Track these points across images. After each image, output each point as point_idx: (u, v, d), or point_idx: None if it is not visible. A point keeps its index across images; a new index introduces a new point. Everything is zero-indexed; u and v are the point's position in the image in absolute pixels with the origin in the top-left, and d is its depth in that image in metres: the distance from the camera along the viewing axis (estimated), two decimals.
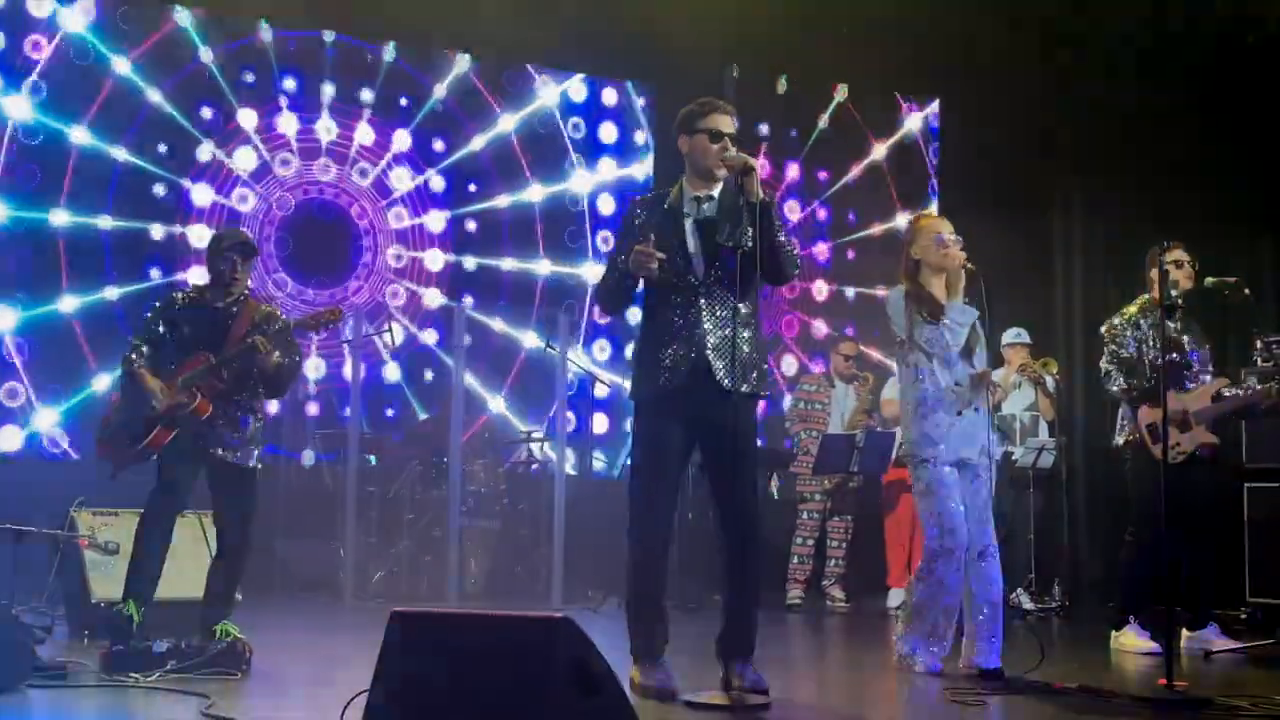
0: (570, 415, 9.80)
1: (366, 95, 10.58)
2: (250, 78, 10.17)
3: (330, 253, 10.42)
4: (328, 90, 10.44)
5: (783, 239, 4.93)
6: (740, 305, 4.87)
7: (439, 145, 10.85)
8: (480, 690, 3.14)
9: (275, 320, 5.92)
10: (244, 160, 10.10)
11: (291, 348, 5.90)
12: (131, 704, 4.56)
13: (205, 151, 9.94)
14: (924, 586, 5.75)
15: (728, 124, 5.00)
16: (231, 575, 5.84)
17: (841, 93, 11.86)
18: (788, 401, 10.24)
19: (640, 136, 11.57)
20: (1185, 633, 6.96)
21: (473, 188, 10.93)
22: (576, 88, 11.41)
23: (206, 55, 9.98)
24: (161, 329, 5.91)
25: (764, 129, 11.70)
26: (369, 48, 10.61)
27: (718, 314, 4.91)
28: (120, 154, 9.63)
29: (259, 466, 5.98)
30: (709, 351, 4.87)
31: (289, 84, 10.32)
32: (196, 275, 9.20)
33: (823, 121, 11.86)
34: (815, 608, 9.27)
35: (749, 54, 11.01)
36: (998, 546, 5.88)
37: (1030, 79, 10.31)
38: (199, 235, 9.74)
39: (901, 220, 11.57)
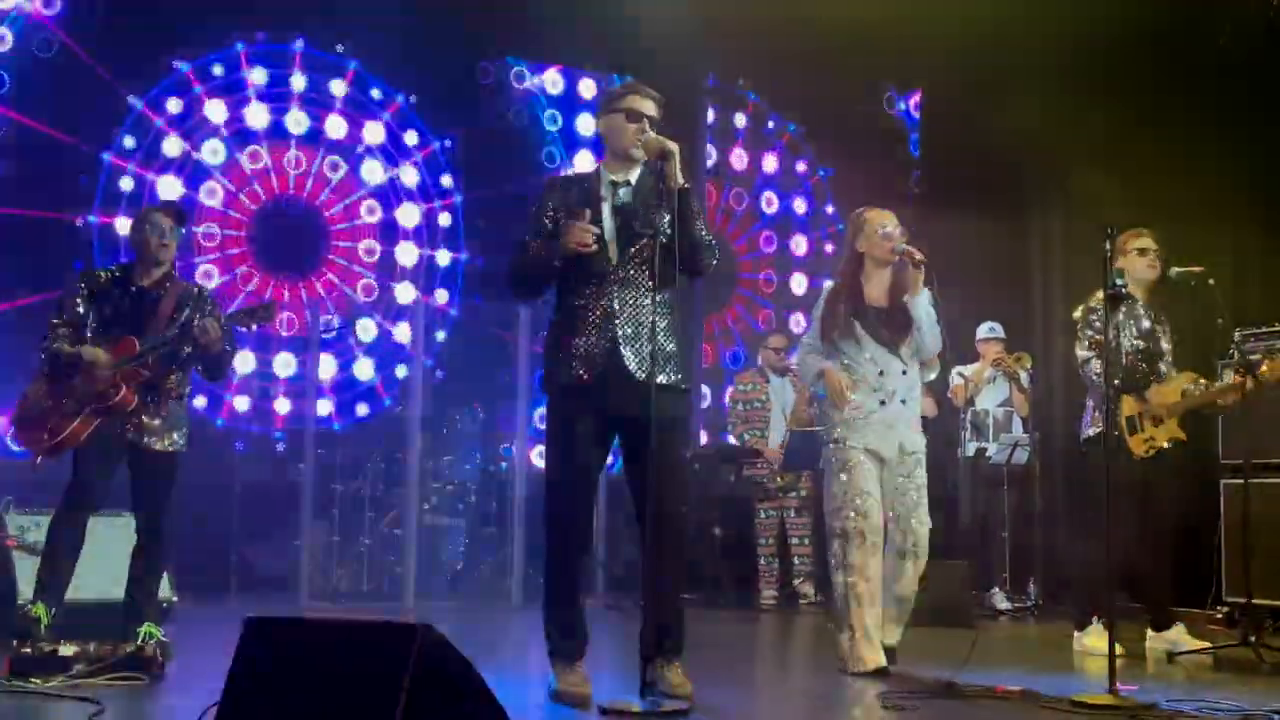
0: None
1: (338, 88, 10.44)
2: (219, 70, 10.05)
3: (298, 247, 10.29)
4: (298, 83, 10.30)
5: (700, 227, 4.75)
6: (657, 294, 4.68)
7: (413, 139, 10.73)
8: (332, 699, 2.99)
9: (204, 299, 5.75)
10: (212, 154, 10.00)
11: (226, 330, 5.71)
12: (21, 711, 4.40)
13: (174, 145, 9.84)
14: (842, 573, 5.63)
15: (649, 107, 4.83)
16: (152, 569, 5.65)
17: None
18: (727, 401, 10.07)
19: None
20: (1150, 633, 6.77)
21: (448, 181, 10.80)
22: (553, 79, 11.26)
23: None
24: (82, 309, 5.69)
25: (740, 119, 11.50)
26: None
27: (632, 303, 4.73)
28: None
29: (181, 451, 5.76)
30: (621, 342, 4.69)
31: (258, 77, 10.19)
32: None
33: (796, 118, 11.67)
34: (788, 608, 9.10)
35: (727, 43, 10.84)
36: (925, 549, 5.82)
37: (1012, 72, 10.11)
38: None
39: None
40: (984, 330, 9.43)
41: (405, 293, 10.46)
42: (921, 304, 5.74)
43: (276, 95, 10.23)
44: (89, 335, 5.65)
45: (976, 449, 9.20)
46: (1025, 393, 9.28)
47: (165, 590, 6.53)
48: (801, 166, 11.90)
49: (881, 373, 5.75)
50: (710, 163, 11.30)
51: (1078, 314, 6.75)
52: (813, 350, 5.92)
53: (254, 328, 5.83)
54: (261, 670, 3.08)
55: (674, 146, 4.64)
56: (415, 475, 8.26)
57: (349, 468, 8.99)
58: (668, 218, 4.60)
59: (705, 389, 11.01)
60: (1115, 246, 6.85)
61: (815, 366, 5.85)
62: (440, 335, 10.36)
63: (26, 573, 6.18)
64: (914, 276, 5.75)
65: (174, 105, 9.84)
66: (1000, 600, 9.04)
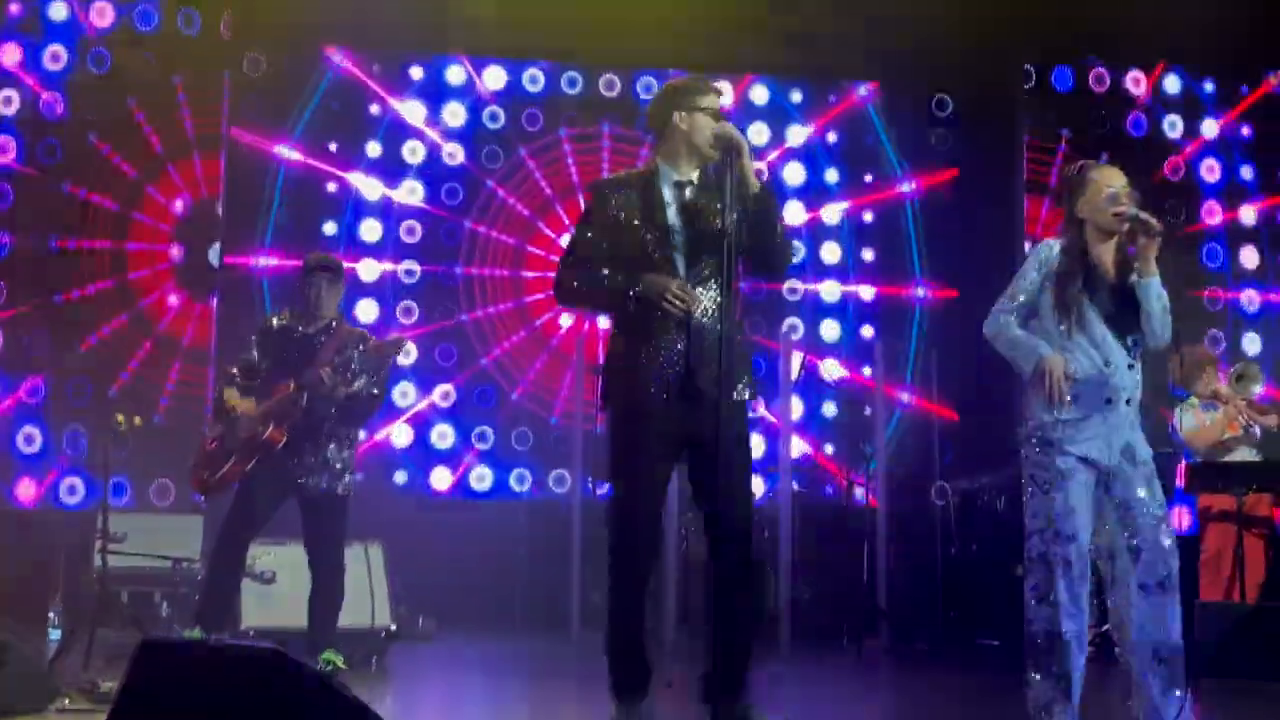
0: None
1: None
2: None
3: None
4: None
5: (781, 230, 4.44)
6: (728, 302, 4.26)
7: None
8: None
9: (365, 342, 5.86)
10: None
11: (375, 374, 5.80)
12: None
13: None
14: (1045, 608, 4.70)
15: (726, 102, 4.56)
16: (327, 604, 5.81)
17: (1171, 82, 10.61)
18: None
19: None
20: None
21: None
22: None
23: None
24: (255, 354, 5.98)
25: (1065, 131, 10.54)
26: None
27: (701, 312, 4.38)
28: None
29: (349, 494, 5.91)
30: (692, 356, 4.35)
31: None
32: None
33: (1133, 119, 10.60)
34: (1106, 658, 8.12)
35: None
36: (1177, 578, 4.77)
37: None
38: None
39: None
40: None
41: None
42: (1153, 289, 4.76)
43: None
44: (259, 381, 5.90)
45: None
46: None
47: (383, 618, 6.70)
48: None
49: (1107, 363, 4.78)
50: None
51: None
52: (1011, 323, 4.90)
53: (395, 360, 5.89)
54: (145, 691, 3.05)
55: (742, 140, 4.27)
56: (675, 505, 8.03)
57: None
58: (734, 216, 4.20)
59: None
60: None
61: (1031, 349, 4.83)
62: None
63: (251, 600, 6.50)
64: (1146, 251, 4.75)
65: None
66: None
